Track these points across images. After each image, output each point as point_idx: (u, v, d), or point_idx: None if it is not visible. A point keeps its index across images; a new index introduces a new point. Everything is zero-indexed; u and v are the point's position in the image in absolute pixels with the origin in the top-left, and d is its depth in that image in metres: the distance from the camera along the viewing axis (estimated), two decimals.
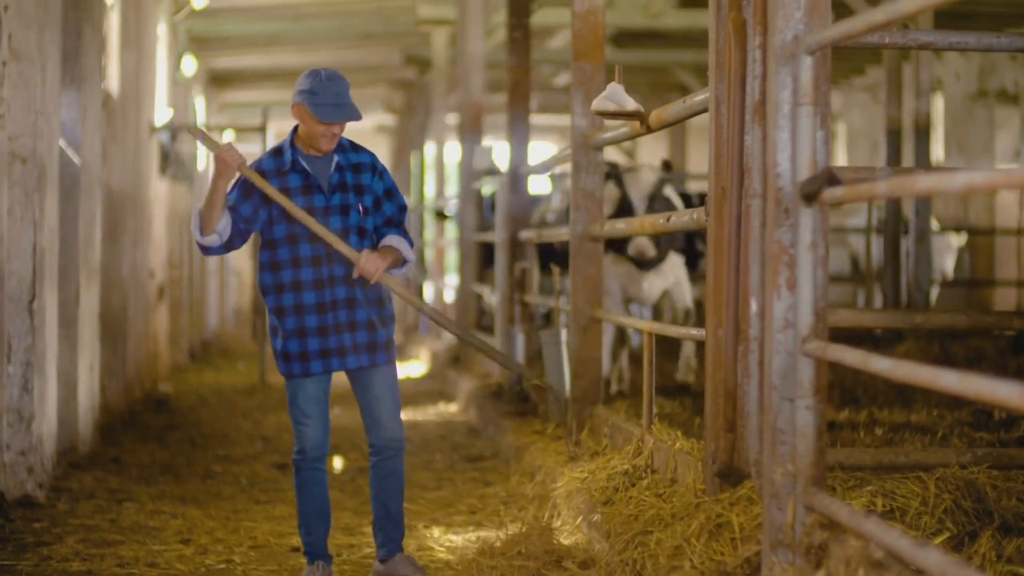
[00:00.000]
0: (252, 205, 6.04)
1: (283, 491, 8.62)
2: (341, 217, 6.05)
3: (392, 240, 6.12)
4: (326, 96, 5.93)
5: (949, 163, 19.57)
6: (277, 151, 6.11)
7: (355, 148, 6.19)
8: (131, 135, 12.56)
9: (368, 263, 5.91)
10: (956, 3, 14.76)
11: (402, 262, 6.10)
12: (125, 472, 9.22)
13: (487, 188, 14.80)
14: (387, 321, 6.17)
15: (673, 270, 10.32)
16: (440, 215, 18.17)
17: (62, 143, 9.08)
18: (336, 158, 6.09)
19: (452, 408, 12.95)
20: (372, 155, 6.20)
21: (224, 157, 5.92)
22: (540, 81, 22.78)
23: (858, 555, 4.09)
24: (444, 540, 7.13)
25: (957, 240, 16.46)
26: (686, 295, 10.50)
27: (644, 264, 10.04)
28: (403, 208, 6.21)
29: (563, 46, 19.21)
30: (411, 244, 6.18)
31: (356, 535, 7.30)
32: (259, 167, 6.07)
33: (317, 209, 6.02)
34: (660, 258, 10.03)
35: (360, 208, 6.09)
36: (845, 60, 20.67)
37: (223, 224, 5.99)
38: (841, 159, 24.89)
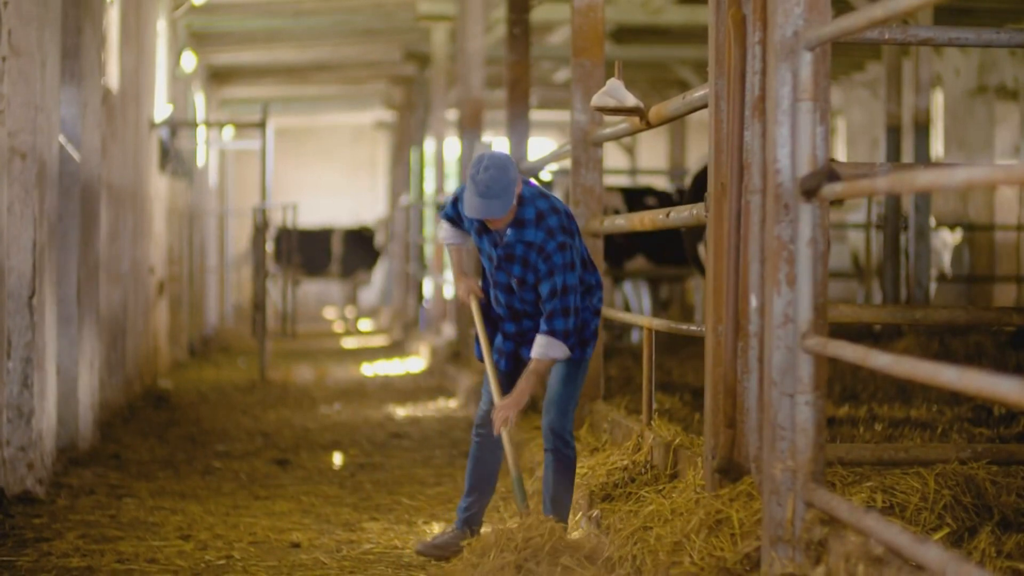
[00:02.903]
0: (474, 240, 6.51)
1: (283, 487, 8.63)
2: (505, 276, 6.35)
3: (538, 352, 6.25)
4: (476, 187, 6.09)
5: (949, 159, 19.57)
6: None
7: (537, 224, 6.21)
8: (131, 131, 12.55)
9: (498, 417, 6.31)
10: None
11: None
12: (125, 468, 9.23)
13: None
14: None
15: None
16: None
17: (62, 139, 9.08)
18: (508, 234, 6.25)
19: (452, 404, 12.96)
20: (547, 235, 6.19)
21: (461, 296, 6.64)
22: (540, 77, 22.77)
23: (858, 551, 4.09)
24: None
25: (952, 238, 16.46)
26: None
27: None
28: (555, 292, 6.21)
29: (563, 42, 19.20)
30: (566, 333, 6.24)
31: (356, 531, 7.30)
32: (458, 195, 6.51)
33: (488, 256, 6.41)
34: None
35: (520, 281, 6.31)
36: (845, 56, 20.67)
37: (460, 237, 6.65)
38: (841, 155, 24.89)
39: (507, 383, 6.49)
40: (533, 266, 6.23)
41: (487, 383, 6.61)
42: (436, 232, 6.71)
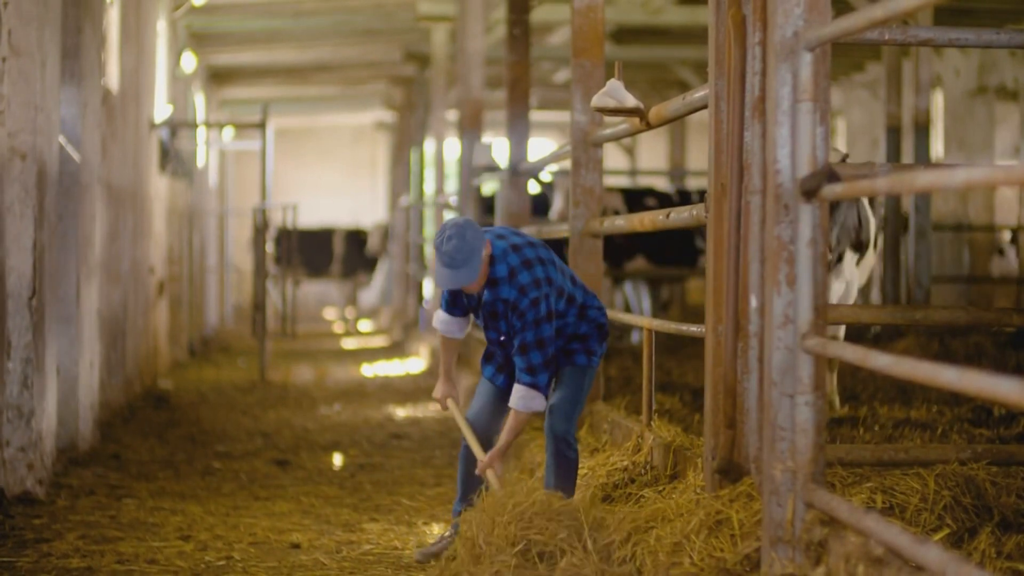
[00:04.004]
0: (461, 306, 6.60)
1: (283, 487, 8.63)
2: (495, 332, 6.46)
3: (519, 404, 6.33)
4: (442, 258, 6.20)
5: (949, 160, 19.56)
6: None
7: (510, 281, 6.30)
8: (131, 131, 12.55)
9: (482, 467, 6.44)
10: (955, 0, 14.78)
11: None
12: (125, 468, 9.22)
13: (488, 187, 14.77)
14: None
15: (849, 270, 8.74)
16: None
17: (62, 139, 9.07)
18: (485, 294, 6.37)
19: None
20: (520, 293, 6.27)
21: (438, 398, 6.82)
22: (540, 77, 22.77)
23: (858, 551, 4.09)
24: None
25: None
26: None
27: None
28: (526, 347, 6.29)
29: (563, 42, 19.21)
30: (543, 387, 6.33)
31: (356, 531, 7.30)
32: None
33: (478, 315, 6.48)
34: (837, 257, 8.69)
35: (500, 333, 6.43)
36: (845, 56, 20.67)
37: (457, 327, 6.67)
38: None
39: (503, 397, 6.58)
40: (511, 323, 6.35)
41: (480, 388, 6.69)
42: (435, 322, 6.74)
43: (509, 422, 6.41)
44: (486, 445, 6.57)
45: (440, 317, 6.65)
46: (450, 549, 6.19)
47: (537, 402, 6.32)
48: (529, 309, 6.26)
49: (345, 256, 26.40)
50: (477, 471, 6.46)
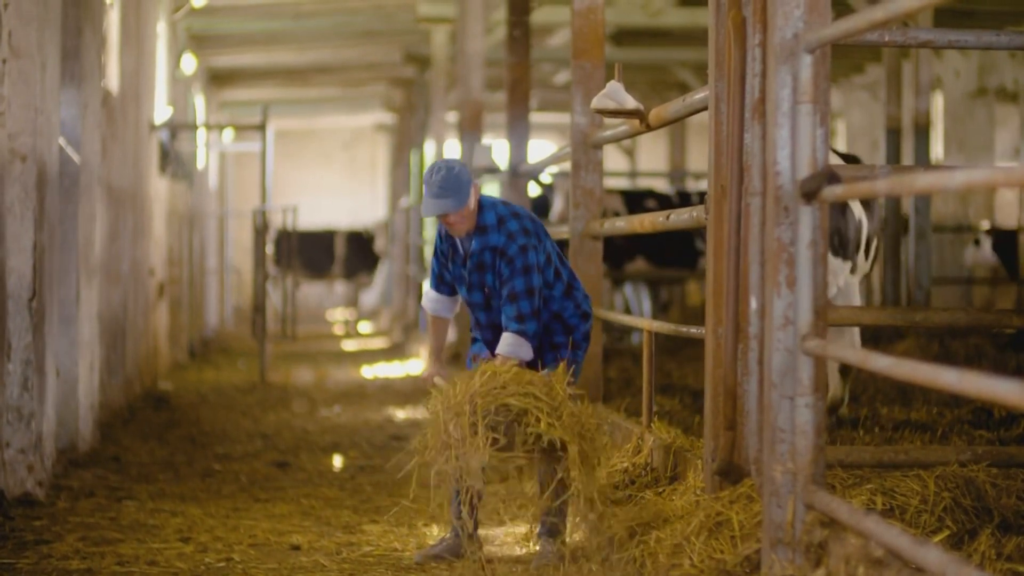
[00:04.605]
0: (448, 273, 6.61)
1: (283, 489, 8.62)
2: (480, 292, 6.46)
3: (506, 350, 6.31)
4: (430, 189, 6.28)
5: (949, 161, 19.56)
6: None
7: (499, 228, 6.37)
8: (131, 133, 12.55)
9: (427, 376, 6.58)
10: (956, 1, 14.78)
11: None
12: (125, 470, 9.22)
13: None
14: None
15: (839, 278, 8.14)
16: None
17: (62, 141, 9.08)
18: (474, 243, 6.39)
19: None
20: (508, 239, 6.34)
21: (425, 376, 6.70)
22: (540, 79, 22.77)
23: (858, 553, 4.09)
24: None
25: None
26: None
27: None
28: (515, 296, 6.32)
29: (563, 44, 19.20)
30: (531, 335, 6.34)
31: (356, 533, 7.30)
32: (437, 231, 6.60)
33: (461, 279, 6.49)
34: None
35: (485, 288, 6.42)
36: (845, 58, 20.67)
37: (445, 306, 6.70)
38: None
39: None
40: (499, 271, 6.36)
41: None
42: (423, 300, 6.79)
43: (497, 361, 6.36)
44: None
45: (428, 296, 6.71)
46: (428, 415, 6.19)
47: (524, 350, 6.33)
48: (518, 255, 6.31)
49: (347, 257, 26.41)
50: (423, 376, 6.57)
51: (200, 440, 10.79)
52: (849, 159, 7.79)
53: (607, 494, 6.48)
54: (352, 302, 27.07)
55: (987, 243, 16.38)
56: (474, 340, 6.73)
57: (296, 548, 6.91)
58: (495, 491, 8.26)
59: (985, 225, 17.59)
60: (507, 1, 12.99)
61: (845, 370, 7.94)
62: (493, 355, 6.47)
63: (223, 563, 6.60)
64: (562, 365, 6.21)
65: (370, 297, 29.71)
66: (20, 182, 7.84)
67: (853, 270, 8.07)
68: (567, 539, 6.50)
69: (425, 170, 6.36)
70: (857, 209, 7.83)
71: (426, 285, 6.77)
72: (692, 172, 20.71)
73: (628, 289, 16.00)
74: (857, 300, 8.13)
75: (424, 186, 6.30)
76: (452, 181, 6.24)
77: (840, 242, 7.82)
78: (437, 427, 5.98)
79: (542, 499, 6.19)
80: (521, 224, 6.38)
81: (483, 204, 6.40)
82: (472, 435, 5.84)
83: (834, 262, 7.83)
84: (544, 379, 6.02)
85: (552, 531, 6.46)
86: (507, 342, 6.33)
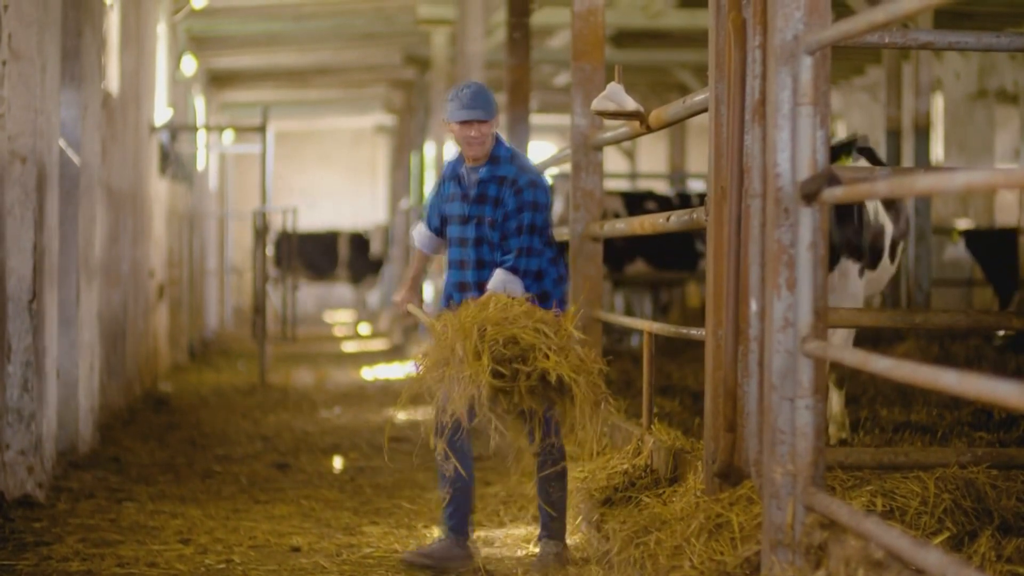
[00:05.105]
0: (438, 215, 6.68)
1: (283, 491, 8.62)
2: (476, 227, 6.44)
3: (496, 286, 6.30)
4: (461, 100, 6.35)
5: (949, 163, 19.57)
6: (456, 158, 6.61)
7: (511, 160, 6.44)
8: (131, 134, 12.55)
9: (399, 301, 6.63)
10: (956, 3, 14.78)
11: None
12: (125, 472, 9.22)
13: None
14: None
15: (850, 282, 7.69)
16: None
17: (62, 143, 9.08)
18: (482, 171, 6.42)
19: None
20: (520, 170, 6.41)
21: (398, 301, 6.73)
22: (540, 81, 22.77)
23: (858, 555, 4.09)
24: None
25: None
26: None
27: None
28: (521, 228, 6.34)
29: (563, 46, 19.20)
30: (527, 273, 6.34)
31: (356, 535, 7.30)
32: (443, 172, 6.68)
33: (458, 216, 6.48)
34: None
35: (488, 221, 6.40)
36: (845, 60, 20.68)
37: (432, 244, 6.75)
38: None
39: None
40: (504, 202, 6.37)
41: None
42: (411, 235, 6.81)
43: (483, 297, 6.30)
44: (463, 447, 6.45)
45: (420, 230, 6.76)
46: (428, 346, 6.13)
47: (515, 285, 6.31)
48: (527, 188, 6.36)
49: (351, 259, 26.42)
50: (395, 300, 6.61)
51: (200, 442, 10.78)
52: (865, 152, 7.70)
53: (603, 443, 6.44)
54: (357, 304, 27.08)
55: (961, 242, 16.38)
56: (444, 293, 6.66)
57: (296, 550, 6.91)
58: (495, 492, 8.26)
59: (962, 224, 17.59)
60: (507, 3, 12.99)
61: (840, 381, 7.78)
62: (468, 292, 6.41)
63: (223, 565, 6.60)
64: (573, 307, 6.18)
65: (371, 299, 29.72)
66: (20, 184, 7.84)
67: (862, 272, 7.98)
68: (568, 541, 6.49)
69: (452, 89, 6.46)
70: (881, 215, 7.67)
71: (419, 224, 6.81)
72: (692, 173, 20.71)
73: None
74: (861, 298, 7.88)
75: (451, 101, 6.38)
76: (483, 96, 6.36)
77: (858, 242, 7.52)
78: (442, 344, 5.92)
79: (537, 441, 6.17)
80: (533, 167, 6.52)
81: (498, 139, 6.49)
82: (475, 359, 5.78)
83: (853, 267, 7.55)
84: (554, 318, 5.98)
85: (552, 534, 6.45)
86: (499, 278, 6.31)
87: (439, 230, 6.69)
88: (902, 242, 7.94)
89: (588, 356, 5.99)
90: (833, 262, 7.48)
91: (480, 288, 6.41)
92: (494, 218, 6.38)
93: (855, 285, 7.59)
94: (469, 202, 6.43)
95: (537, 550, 6.50)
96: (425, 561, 6.41)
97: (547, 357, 5.81)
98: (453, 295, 6.52)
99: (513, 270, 6.32)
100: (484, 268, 6.43)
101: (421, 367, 6.03)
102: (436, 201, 6.68)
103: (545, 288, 6.43)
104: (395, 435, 11.26)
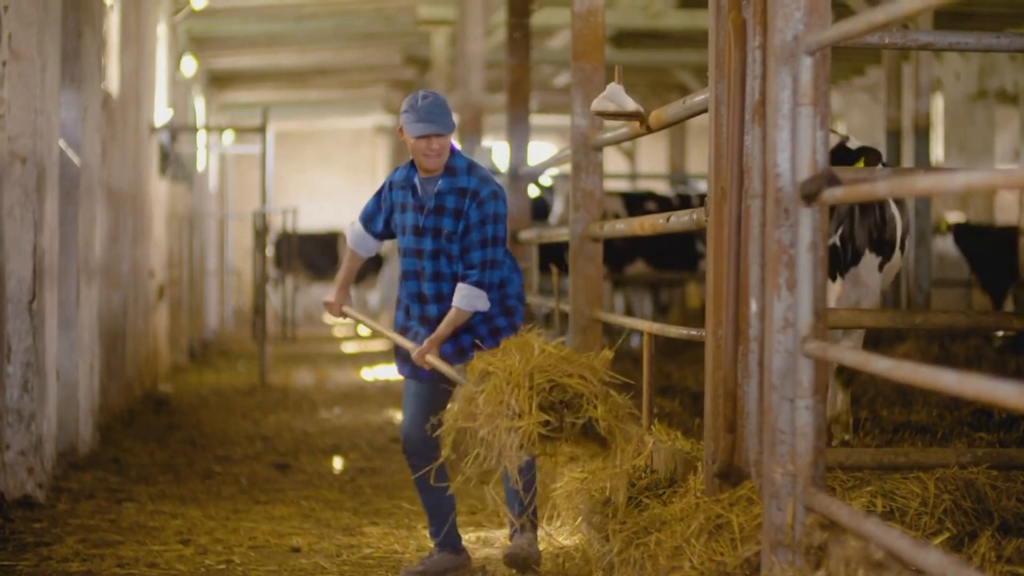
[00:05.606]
0: (383, 220, 6.53)
1: (283, 491, 8.62)
2: (432, 239, 6.30)
3: (462, 302, 6.22)
4: (419, 114, 6.18)
5: (949, 163, 19.57)
6: (407, 166, 6.43)
7: (469, 172, 6.32)
8: (131, 135, 12.55)
9: (418, 358, 6.24)
10: (956, 3, 14.78)
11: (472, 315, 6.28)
12: (125, 472, 9.22)
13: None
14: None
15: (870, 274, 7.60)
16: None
17: (62, 143, 9.08)
18: (440, 183, 6.29)
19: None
20: (481, 181, 6.29)
21: (328, 306, 6.72)
22: (540, 81, 22.77)
23: (858, 555, 4.09)
24: None
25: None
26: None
27: None
28: (486, 242, 6.25)
29: (563, 46, 19.20)
30: (489, 287, 6.26)
31: (356, 535, 7.30)
32: (391, 178, 6.49)
33: (412, 227, 6.33)
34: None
35: (445, 234, 6.28)
36: (845, 60, 20.68)
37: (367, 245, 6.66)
38: None
39: (432, 396, 6.43)
40: (465, 214, 6.25)
41: (406, 393, 6.47)
42: (347, 231, 6.74)
43: (449, 316, 6.24)
44: (428, 460, 6.36)
45: (355, 230, 6.63)
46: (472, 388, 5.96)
47: (481, 301, 6.25)
48: (489, 200, 6.25)
49: None
50: (414, 358, 6.26)
51: (200, 442, 10.79)
52: (866, 152, 7.66)
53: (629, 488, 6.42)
54: (357, 304, 27.08)
55: (950, 236, 16.37)
56: (399, 304, 6.53)
57: (296, 550, 6.91)
58: (498, 494, 8.25)
59: (952, 218, 17.60)
60: (507, 3, 12.98)
61: (848, 381, 7.72)
62: (426, 305, 6.34)
63: (223, 565, 6.60)
64: (605, 351, 6.04)
65: (371, 299, 29.72)
66: (20, 184, 7.85)
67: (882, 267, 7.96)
68: (567, 542, 6.49)
69: (407, 101, 6.27)
70: (892, 206, 7.67)
71: (356, 223, 6.66)
72: (692, 174, 20.70)
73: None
74: (875, 302, 7.85)
75: (408, 112, 6.21)
76: (442, 107, 6.22)
77: (880, 237, 7.51)
78: (495, 394, 5.77)
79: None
80: (492, 178, 6.36)
81: (453, 149, 6.36)
82: (529, 411, 5.68)
83: (874, 261, 7.52)
84: (588, 362, 5.91)
85: (524, 530, 6.42)
86: (464, 294, 6.22)
87: (381, 235, 6.58)
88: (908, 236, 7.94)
89: (625, 402, 5.93)
90: (857, 257, 7.48)
91: (437, 300, 6.32)
92: (453, 230, 6.27)
93: (876, 279, 7.62)
94: (425, 213, 6.30)
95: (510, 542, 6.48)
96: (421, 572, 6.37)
97: (595, 407, 5.76)
98: (411, 306, 6.43)
99: (478, 284, 6.23)
100: (441, 280, 6.33)
101: (467, 414, 5.93)
102: (376, 205, 6.54)
103: (506, 293, 6.38)
104: (396, 435, 11.26)
